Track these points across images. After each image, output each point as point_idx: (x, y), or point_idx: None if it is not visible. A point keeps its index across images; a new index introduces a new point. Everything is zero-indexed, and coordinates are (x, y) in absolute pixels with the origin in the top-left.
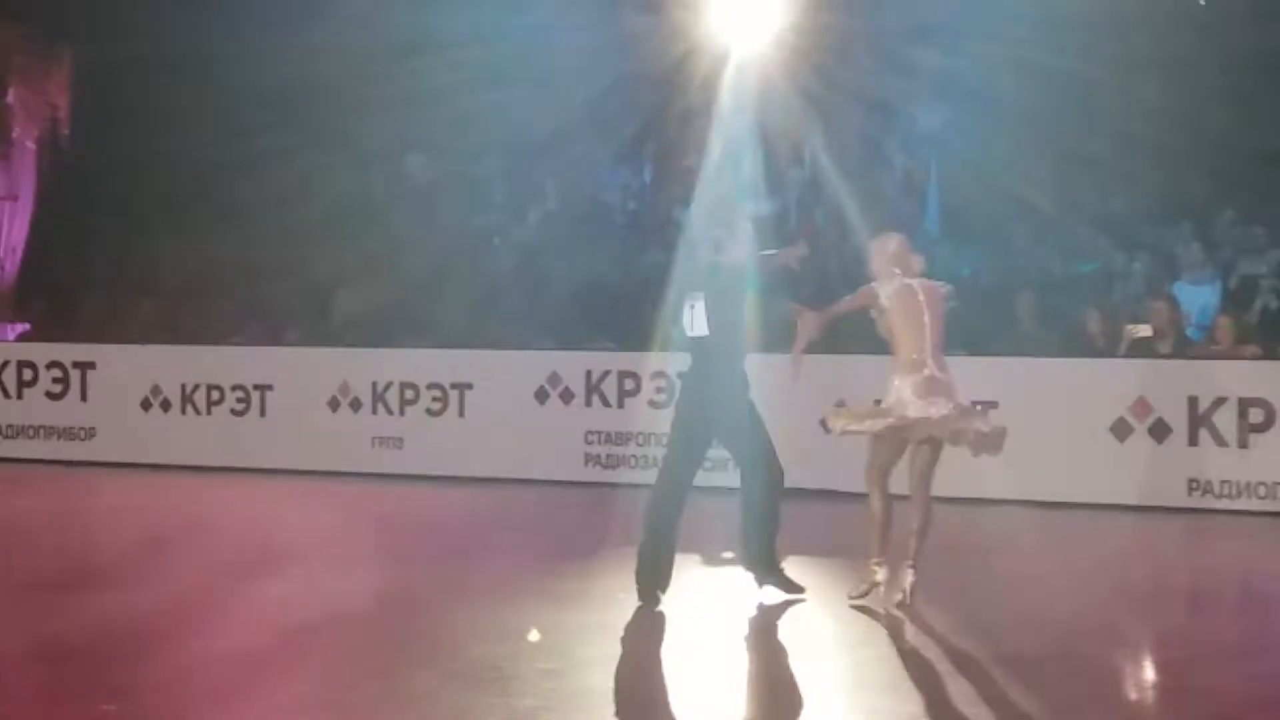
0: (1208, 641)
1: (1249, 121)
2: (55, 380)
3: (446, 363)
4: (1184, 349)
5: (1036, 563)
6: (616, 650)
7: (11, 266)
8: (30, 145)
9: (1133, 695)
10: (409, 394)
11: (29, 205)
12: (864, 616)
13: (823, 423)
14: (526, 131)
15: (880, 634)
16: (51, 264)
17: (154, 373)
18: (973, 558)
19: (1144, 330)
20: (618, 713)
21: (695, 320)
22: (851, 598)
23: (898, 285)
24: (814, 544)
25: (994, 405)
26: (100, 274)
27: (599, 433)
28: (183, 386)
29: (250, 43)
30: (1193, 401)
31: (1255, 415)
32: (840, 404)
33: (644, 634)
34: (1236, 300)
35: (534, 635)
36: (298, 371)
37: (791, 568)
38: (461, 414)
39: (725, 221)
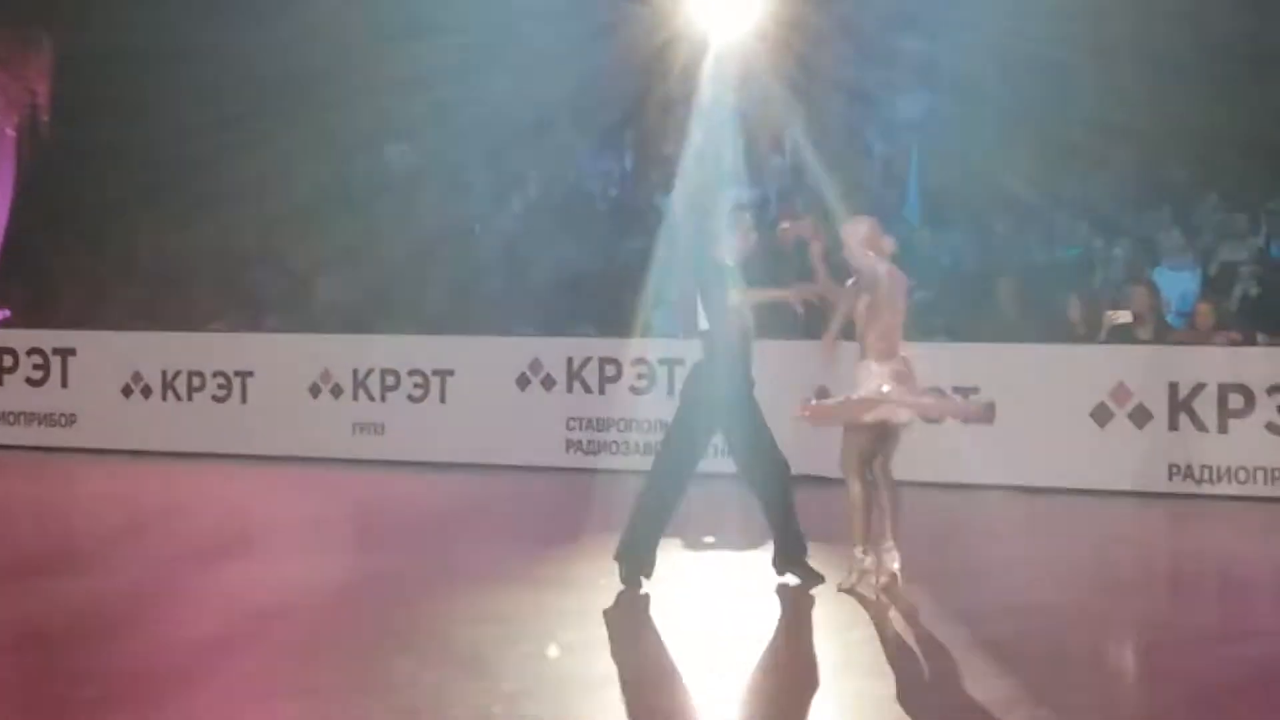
0: (1188, 626)
1: (1229, 108)
2: (36, 367)
3: (428, 349)
4: (1164, 335)
5: (1018, 548)
6: (597, 635)
7: None
8: (10, 132)
9: (1113, 679)
10: (390, 380)
11: (8, 192)
12: (847, 601)
13: (806, 411)
14: (507, 119)
15: (863, 618)
16: (32, 251)
17: (135, 359)
18: (955, 542)
19: (1124, 316)
20: (599, 697)
21: (698, 314)
22: (841, 588)
23: (887, 268)
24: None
25: (975, 391)
26: (81, 261)
27: (580, 419)
28: (163, 372)
29: (231, 30)
30: (1173, 387)
31: (1235, 401)
32: (820, 394)
33: (625, 618)
34: (1217, 286)
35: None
36: (279, 358)
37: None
38: (443, 400)
39: (719, 214)
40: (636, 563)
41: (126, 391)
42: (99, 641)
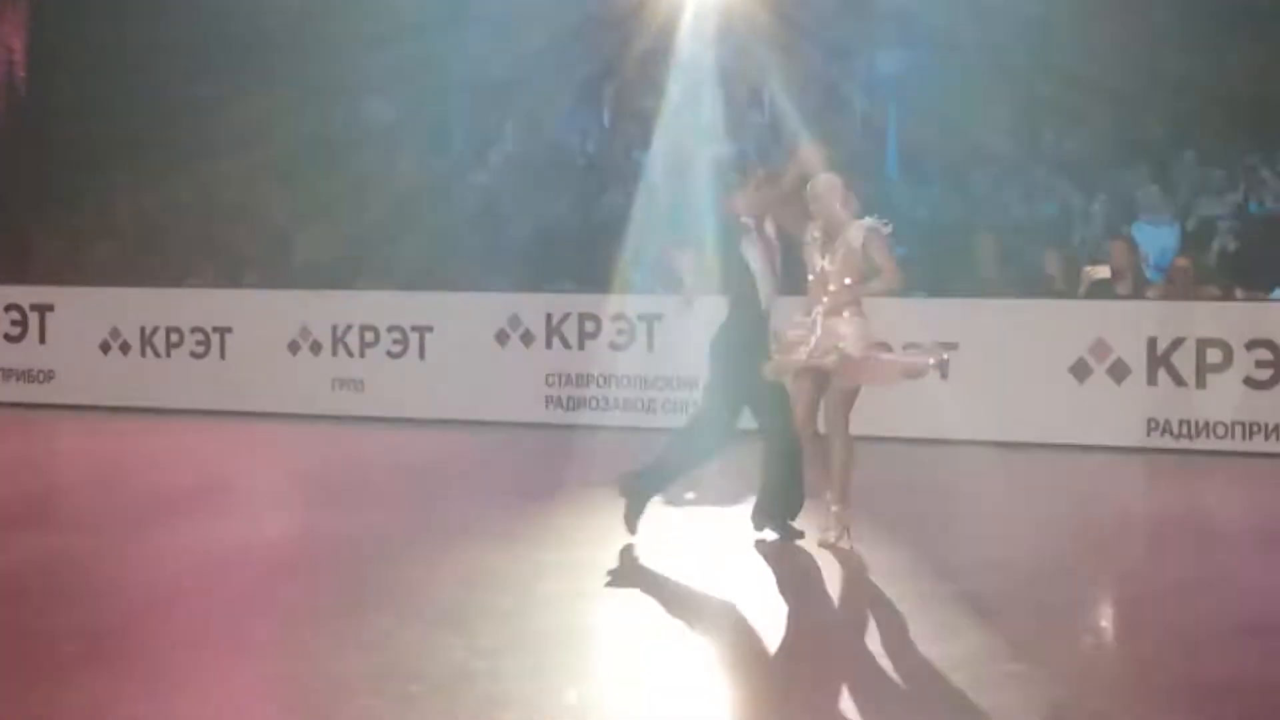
0: (1165, 578)
1: (1207, 63)
2: (14, 323)
3: (407, 305)
4: (1142, 290)
5: (996, 503)
6: (576, 589)
7: None
8: None
9: (1090, 631)
10: (369, 336)
11: None
12: (825, 557)
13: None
14: (485, 74)
15: (841, 574)
16: (9, 206)
17: (113, 315)
18: (934, 498)
19: (1103, 272)
20: (578, 651)
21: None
22: (822, 543)
23: (869, 224)
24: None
25: (954, 346)
26: (58, 216)
27: (559, 375)
28: (142, 329)
29: None
30: (1151, 342)
31: (1213, 356)
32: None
33: (604, 573)
34: (1195, 242)
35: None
36: (257, 314)
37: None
38: (422, 356)
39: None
40: (639, 508)
41: (105, 348)
42: (77, 598)
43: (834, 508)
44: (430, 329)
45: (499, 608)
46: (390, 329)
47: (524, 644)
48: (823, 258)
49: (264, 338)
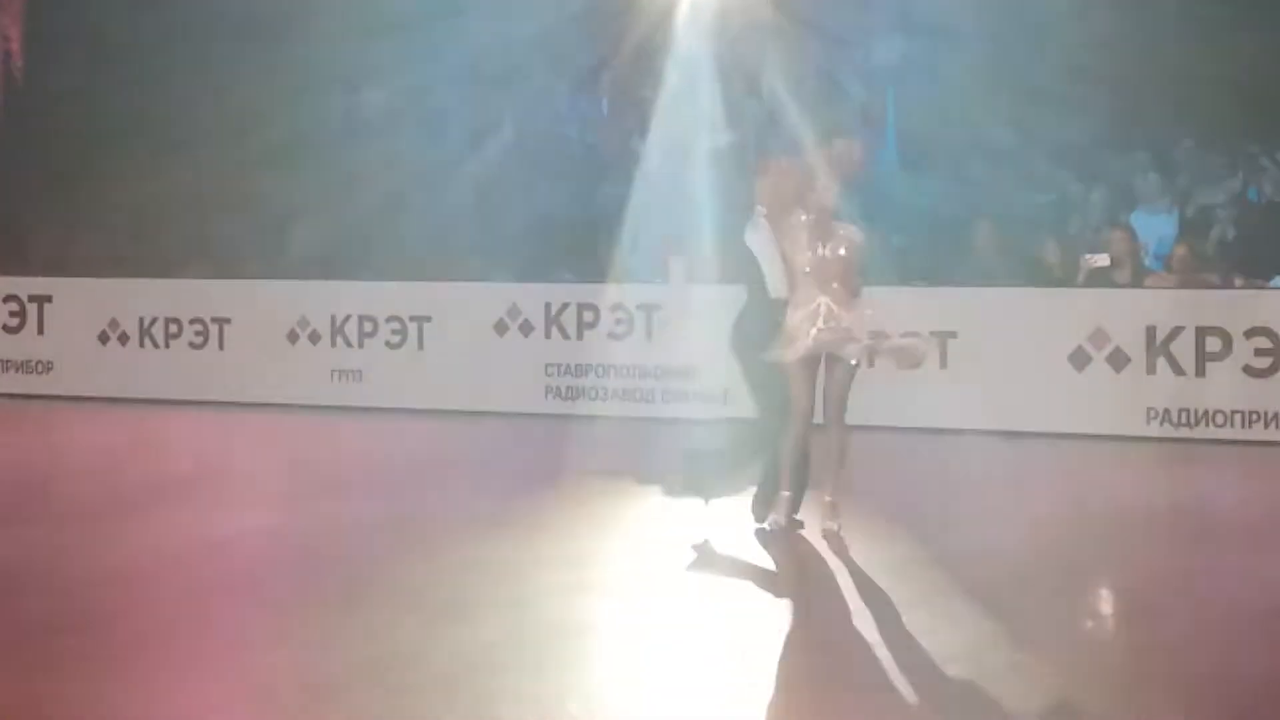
0: (1165, 568)
1: (1206, 51)
2: (12, 314)
3: (405, 295)
4: (1141, 278)
5: (995, 492)
6: (576, 580)
7: None
8: None
9: (1091, 621)
10: (368, 326)
11: None
12: (824, 547)
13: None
14: (483, 63)
15: (841, 564)
16: (6, 197)
17: (111, 306)
18: (933, 487)
19: (1102, 260)
20: (578, 643)
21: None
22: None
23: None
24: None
25: (953, 335)
26: (56, 206)
27: (558, 365)
28: (140, 319)
29: None
30: (1150, 331)
31: (1212, 344)
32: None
33: (604, 564)
34: (1194, 230)
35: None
36: (256, 304)
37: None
38: (421, 346)
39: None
40: (763, 504)
41: (103, 338)
42: (74, 589)
43: (827, 498)
44: (429, 319)
45: (498, 598)
46: (389, 319)
47: (523, 635)
48: (823, 246)
49: (262, 328)
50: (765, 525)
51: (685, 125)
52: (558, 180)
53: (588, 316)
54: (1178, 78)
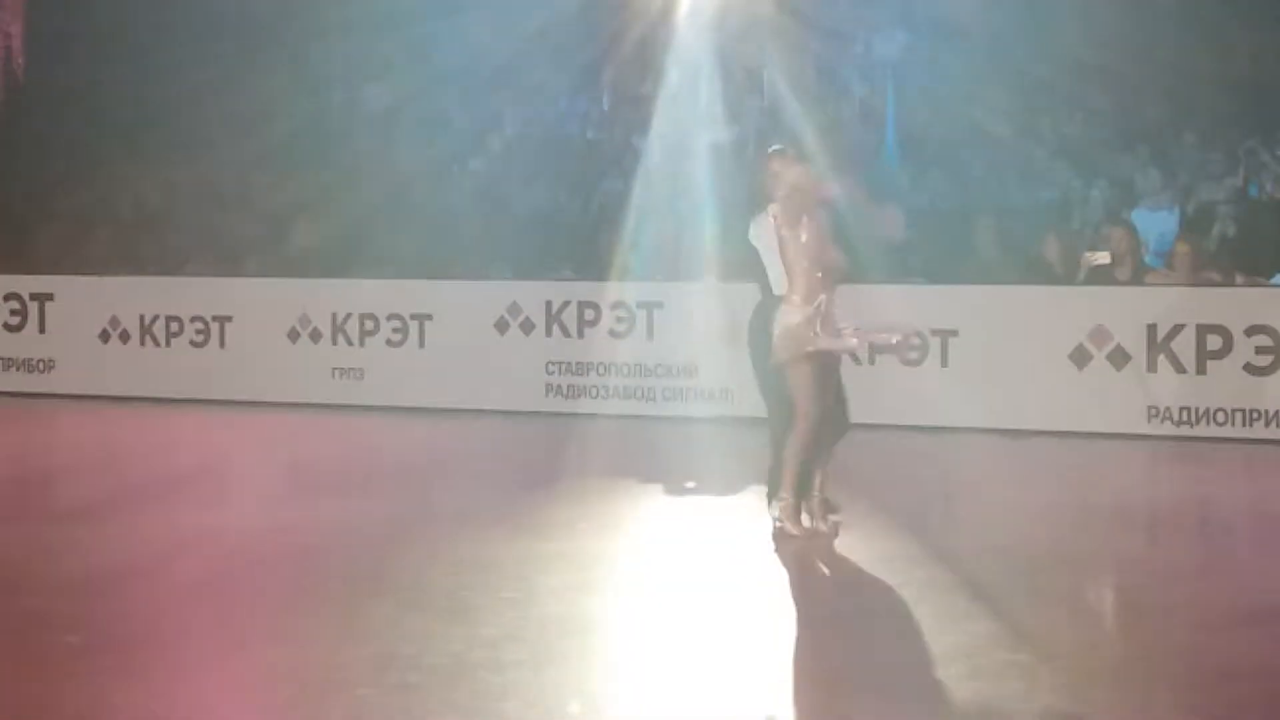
0: (1166, 566)
1: (1206, 47)
2: (13, 312)
3: (406, 293)
4: (1142, 276)
5: (996, 490)
6: (577, 579)
7: None
8: None
9: (1092, 619)
10: (369, 325)
11: None
12: (825, 544)
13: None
14: (484, 60)
15: (842, 562)
16: (7, 195)
17: (112, 304)
18: (934, 485)
19: (1102, 257)
20: (580, 642)
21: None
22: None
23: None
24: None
25: (953, 333)
26: (57, 204)
27: (559, 363)
28: (141, 318)
29: None
30: (1151, 329)
31: (1213, 342)
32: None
33: (605, 562)
34: (1194, 227)
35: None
36: (257, 302)
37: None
38: (422, 344)
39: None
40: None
41: (104, 337)
42: (80, 588)
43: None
44: (430, 317)
45: (499, 597)
46: (390, 317)
47: (524, 634)
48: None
49: (263, 326)
50: (774, 522)
51: (686, 122)
52: (558, 178)
53: (589, 314)
54: (1178, 74)
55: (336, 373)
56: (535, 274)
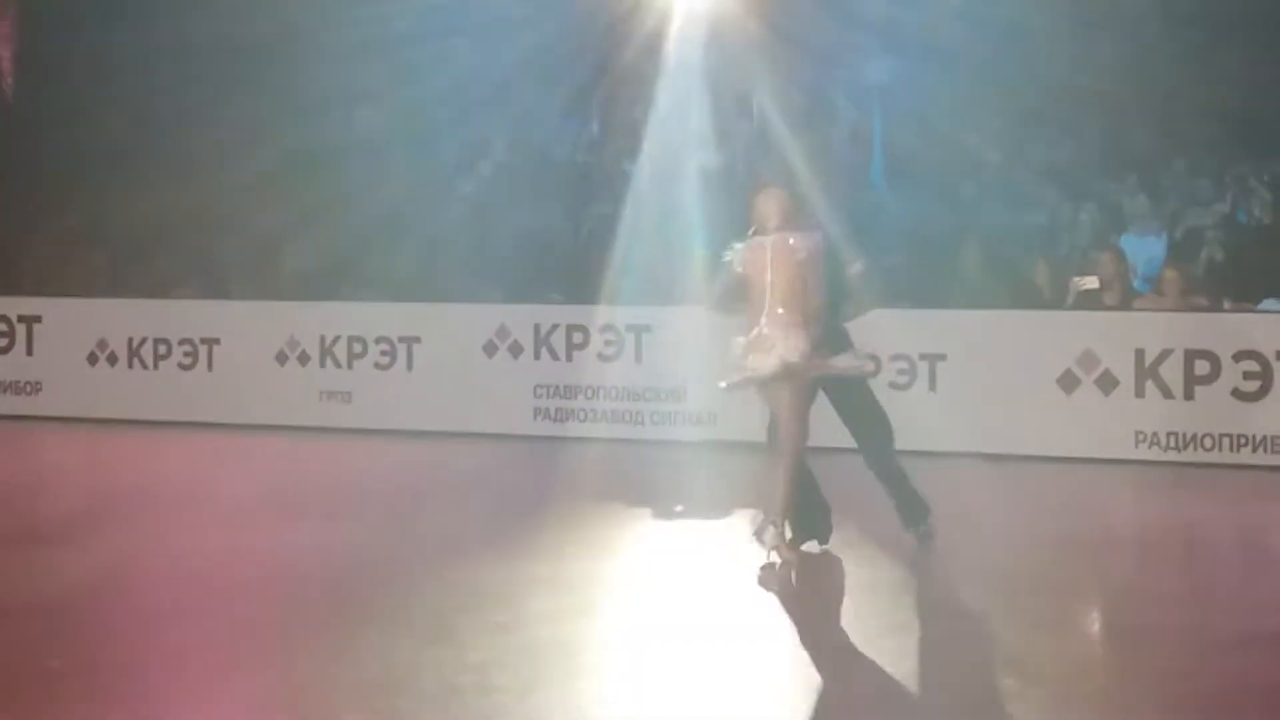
0: (1154, 592)
1: (1195, 74)
2: (1, 334)
3: (395, 316)
4: (1130, 301)
5: (983, 515)
6: (566, 603)
7: None
8: None
9: (1077, 645)
10: (357, 347)
11: None
12: (815, 569)
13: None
14: (474, 83)
15: (831, 587)
16: None
17: (100, 326)
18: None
19: (1091, 282)
20: (568, 666)
21: None
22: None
23: (754, 242)
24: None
25: (941, 358)
26: (45, 227)
27: (548, 386)
28: (129, 340)
29: None
30: (1139, 354)
31: (1201, 367)
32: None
33: (593, 587)
34: (1183, 252)
35: None
36: (245, 325)
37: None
38: (410, 367)
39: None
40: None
41: (92, 359)
42: (64, 613)
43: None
44: (418, 340)
45: (488, 621)
46: (378, 340)
47: (512, 658)
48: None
49: (251, 349)
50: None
51: (675, 146)
52: (548, 201)
53: (577, 338)
54: (1167, 100)
55: (324, 395)
56: (524, 297)
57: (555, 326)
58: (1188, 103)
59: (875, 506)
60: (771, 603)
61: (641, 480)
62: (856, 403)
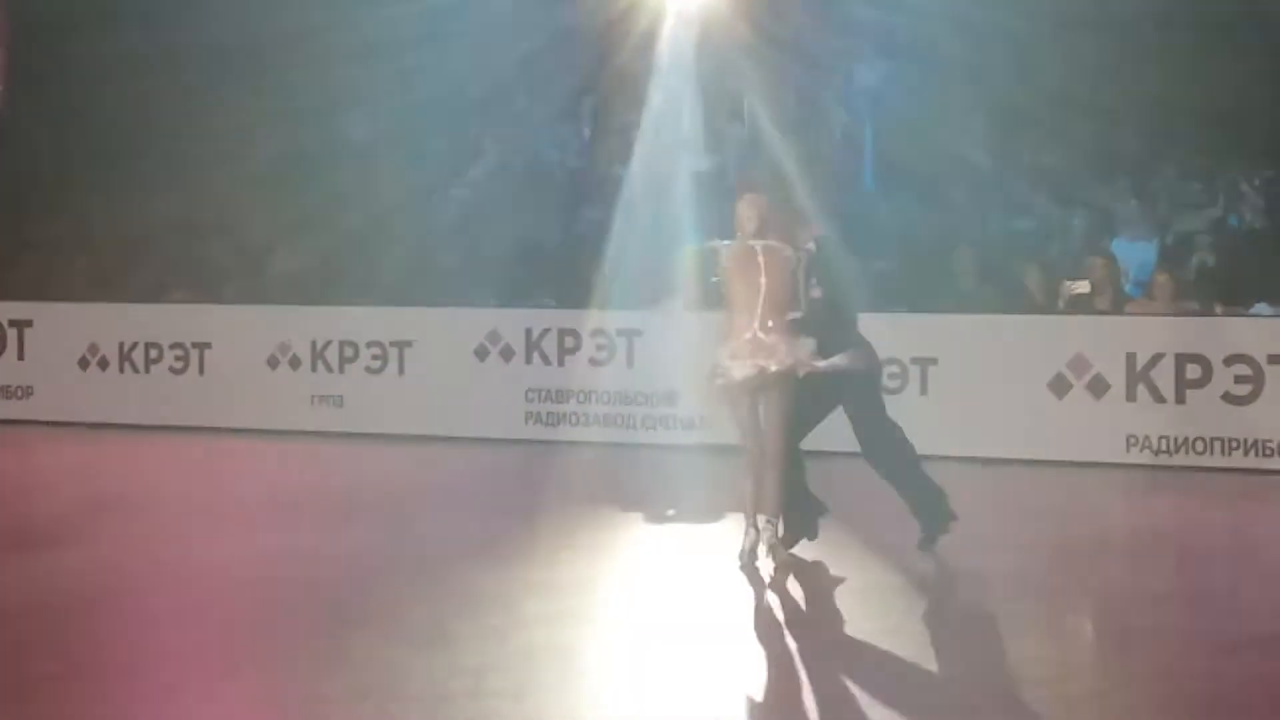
0: (1144, 596)
1: (1186, 78)
2: None
3: (386, 320)
4: (1122, 305)
5: (974, 520)
6: (559, 607)
7: None
8: None
9: (1069, 649)
10: (348, 352)
11: None
12: (807, 573)
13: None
14: (465, 88)
15: (823, 591)
16: None
17: (91, 331)
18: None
19: (1082, 287)
20: (563, 670)
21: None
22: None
23: (739, 246)
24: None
25: (933, 362)
26: (36, 231)
27: (539, 390)
28: (120, 345)
29: None
30: (1131, 358)
31: (1192, 371)
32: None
33: (586, 590)
34: (1174, 257)
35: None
36: (236, 329)
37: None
38: (401, 372)
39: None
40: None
41: (83, 364)
42: (59, 618)
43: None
44: (410, 344)
45: (481, 626)
46: (369, 344)
47: (506, 663)
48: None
49: (243, 353)
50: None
51: (667, 150)
52: (539, 205)
53: (569, 342)
54: (1158, 105)
55: (316, 400)
56: (515, 301)
57: (547, 331)
58: (1178, 107)
59: (865, 511)
60: (764, 607)
61: (634, 484)
62: (872, 419)
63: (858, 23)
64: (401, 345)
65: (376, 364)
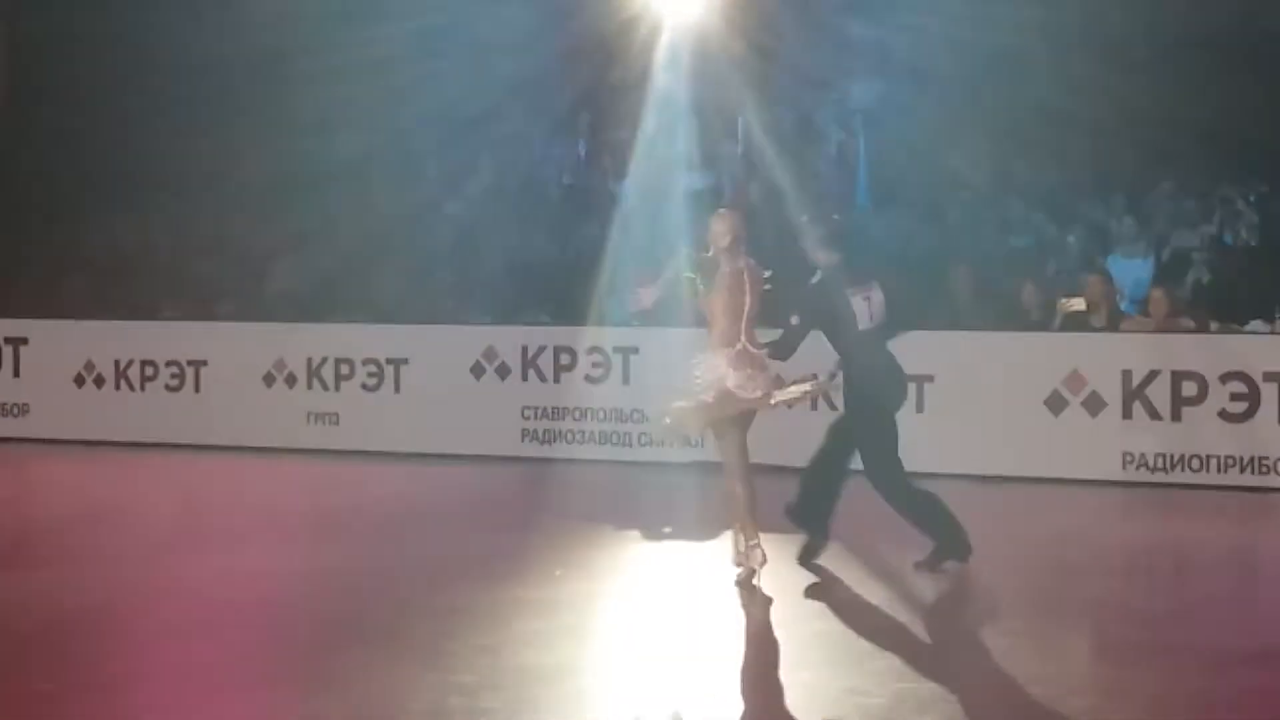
0: (1140, 613)
1: (1180, 95)
2: None
3: (382, 338)
4: (1118, 322)
5: (971, 537)
6: (554, 625)
7: None
8: None
9: (1065, 665)
10: (344, 369)
11: None
12: (802, 590)
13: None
14: (461, 106)
15: (816, 609)
16: None
17: (87, 348)
18: (907, 531)
19: (1078, 304)
20: (557, 688)
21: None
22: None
23: (743, 261)
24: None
25: (929, 379)
26: (32, 249)
27: (535, 408)
28: (116, 362)
29: (182, 15)
30: (1126, 375)
31: (1188, 388)
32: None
33: (582, 608)
34: (1169, 274)
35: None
36: (232, 347)
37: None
38: (397, 389)
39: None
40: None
41: (79, 381)
42: (53, 635)
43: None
44: (405, 362)
45: (476, 644)
46: (365, 362)
47: (501, 681)
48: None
49: (239, 371)
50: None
51: (662, 167)
52: (535, 223)
53: (564, 359)
54: (1154, 122)
55: (312, 417)
56: (511, 319)
57: (543, 348)
58: (1174, 125)
59: (861, 528)
60: (758, 623)
61: (629, 501)
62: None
63: (853, 41)
64: (397, 363)
65: (372, 381)
